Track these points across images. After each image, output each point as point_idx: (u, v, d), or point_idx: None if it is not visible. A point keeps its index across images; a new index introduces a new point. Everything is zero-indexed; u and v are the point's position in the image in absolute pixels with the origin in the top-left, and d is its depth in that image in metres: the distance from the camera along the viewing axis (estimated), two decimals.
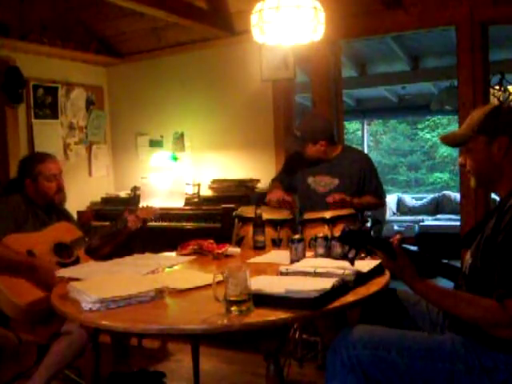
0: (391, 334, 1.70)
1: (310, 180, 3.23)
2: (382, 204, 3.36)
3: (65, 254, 2.61)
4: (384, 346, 1.63)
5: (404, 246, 1.76)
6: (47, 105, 4.33)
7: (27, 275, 2.40)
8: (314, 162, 3.22)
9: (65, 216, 2.86)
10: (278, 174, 3.50)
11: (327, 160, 3.20)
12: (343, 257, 1.80)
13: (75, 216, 4.01)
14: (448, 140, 1.85)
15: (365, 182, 3.19)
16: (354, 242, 1.77)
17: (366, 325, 1.77)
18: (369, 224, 2.95)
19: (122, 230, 2.87)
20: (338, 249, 2.31)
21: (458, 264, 1.98)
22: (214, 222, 3.86)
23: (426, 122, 13.48)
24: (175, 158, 4.45)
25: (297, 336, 3.13)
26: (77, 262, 2.58)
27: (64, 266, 2.47)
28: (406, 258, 1.69)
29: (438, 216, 9.37)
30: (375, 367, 1.62)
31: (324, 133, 3.15)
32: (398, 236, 1.80)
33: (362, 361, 1.62)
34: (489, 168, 1.70)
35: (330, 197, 3.01)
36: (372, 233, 1.78)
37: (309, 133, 3.15)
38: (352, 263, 1.80)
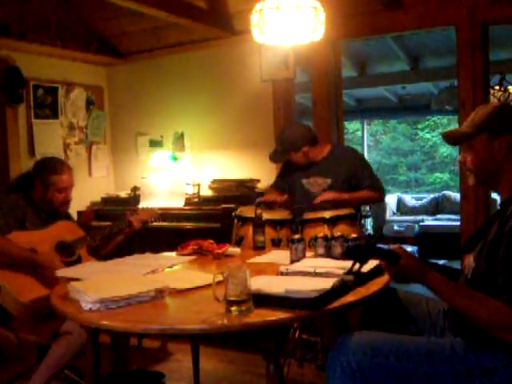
0: (390, 339, 1.68)
1: (305, 182, 3.26)
2: (380, 198, 3.33)
3: (66, 252, 2.61)
4: (383, 352, 1.62)
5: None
6: (47, 105, 4.32)
7: (30, 271, 2.41)
8: (305, 166, 3.24)
9: (65, 216, 2.87)
10: (274, 181, 3.52)
11: (317, 162, 3.22)
12: (347, 272, 1.78)
13: (75, 216, 4.01)
14: (450, 136, 1.84)
15: (357, 177, 3.19)
16: (360, 256, 1.75)
17: (366, 331, 1.76)
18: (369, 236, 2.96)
19: (123, 230, 2.90)
20: (338, 249, 2.31)
21: (457, 265, 1.98)
22: (214, 222, 3.85)
23: (426, 122, 13.47)
24: (175, 158, 4.44)
25: (297, 336, 3.14)
26: (78, 261, 2.59)
27: (66, 264, 2.48)
28: (408, 255, 1.67)
29: (438, 216, 9.36)
30: (375, 374, 1.61)
31: (302, 139, 3.17)
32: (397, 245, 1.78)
33: (362, 367, 1.61)
34: (489, 166, 1.69)
35: (318, 197, 3.04)
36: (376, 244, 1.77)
37: (288, 144, 3.18)
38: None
